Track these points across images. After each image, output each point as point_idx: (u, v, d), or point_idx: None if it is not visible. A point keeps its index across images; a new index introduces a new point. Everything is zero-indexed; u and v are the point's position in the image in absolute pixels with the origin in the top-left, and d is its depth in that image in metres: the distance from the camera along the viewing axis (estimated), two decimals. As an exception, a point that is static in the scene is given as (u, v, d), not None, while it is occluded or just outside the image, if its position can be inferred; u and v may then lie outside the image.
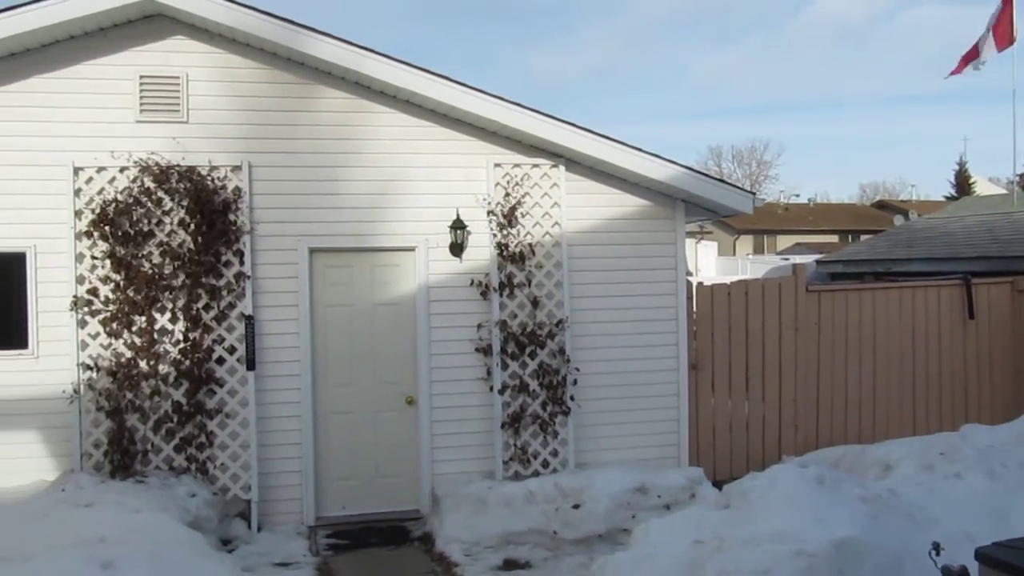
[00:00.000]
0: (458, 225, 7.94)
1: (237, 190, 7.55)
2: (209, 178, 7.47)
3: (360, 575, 6.84)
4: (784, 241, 47.37)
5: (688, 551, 5.34)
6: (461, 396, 8.08)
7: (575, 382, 8.21)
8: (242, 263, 7.53)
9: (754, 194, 8.96)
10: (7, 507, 6.56)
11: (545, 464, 8.13)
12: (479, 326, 8.08)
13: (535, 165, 8.19)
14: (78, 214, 7.29)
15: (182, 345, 7.38)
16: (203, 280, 7.41)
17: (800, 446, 9.24)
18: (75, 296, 7.25)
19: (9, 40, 7.00)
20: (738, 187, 9.14)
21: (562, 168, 8.23)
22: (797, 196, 56.86)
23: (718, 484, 7.58)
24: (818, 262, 16.80)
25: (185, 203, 7.38)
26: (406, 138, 7.98)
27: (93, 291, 7.28)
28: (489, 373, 8.07)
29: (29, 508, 6.54)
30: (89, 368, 7.28)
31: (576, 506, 7.33)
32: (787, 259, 26.11)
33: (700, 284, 9.52)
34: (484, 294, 8.07)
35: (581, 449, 8.29)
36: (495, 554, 7.19)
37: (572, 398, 8.20)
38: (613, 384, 8.41)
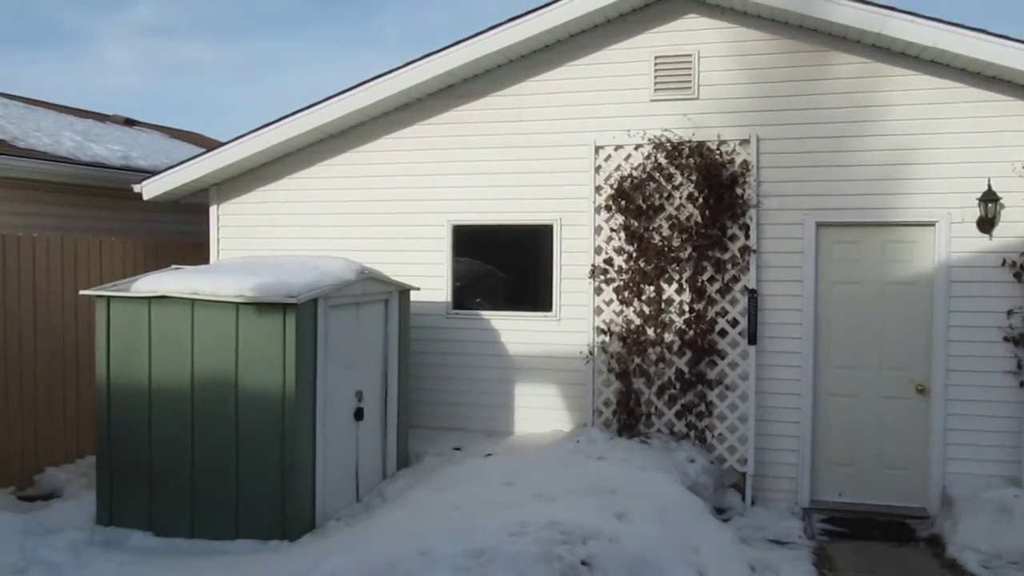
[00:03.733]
0: (989, 197, 7.05)
1: (744, 164, 7.55)
2: (717, 152, 7.57)
3: (860, 567, 6.48)
4: None
5: None
6: (982, 389, 7.22)
7: None
8: (747, 237, 7.53)
9: None
10: (536, 451, 7.37)
11: (1089, 477, 6.96)
12: (1010, 312, 7.12)
13: (1092, 126, 6.96)
14: (597, 190, 7.89)
15: (687, 316, 7.63)
16: (708, 253, 7.56)
17: None
18: (592, 265, 7.87)
19: (545, 34, 7.78)
20: None
21: None
22: None
23: None
24: None
25: (694, 178, 7.57)
26: (928, 102, 7.28)
27: (608, 261, 7.84)
28: (1020, 366, 7.09)
29: (551, 454, 7.28)
30: (602, 332, 7.87)
31: None
32: None
33: None
34: (1018, 276, 7.09)
35: None
36: (1020, 573, 6.33)
37: None
38: None
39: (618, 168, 7.84)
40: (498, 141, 8.25)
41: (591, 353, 7.89)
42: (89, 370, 8.07)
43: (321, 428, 6.22)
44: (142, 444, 6.20)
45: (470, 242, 8.48)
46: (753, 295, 7.50)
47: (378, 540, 5.57)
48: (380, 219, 8.61)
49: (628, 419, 7.75)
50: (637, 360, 7.74)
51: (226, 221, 9.11)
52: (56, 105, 13.49)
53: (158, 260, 9.02)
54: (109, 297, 6.23)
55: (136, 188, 9.11)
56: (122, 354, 6.22)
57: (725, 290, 7.60)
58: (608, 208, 7.81)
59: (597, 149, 7.90)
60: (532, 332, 8.21)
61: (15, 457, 7.57)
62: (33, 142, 9.70)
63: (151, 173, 9.42)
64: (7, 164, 8.49)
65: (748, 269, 7.53)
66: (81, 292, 6.73)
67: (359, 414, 6.86)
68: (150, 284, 6.18)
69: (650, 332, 7.70)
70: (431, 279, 8.40)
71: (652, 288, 7.69)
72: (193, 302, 6.03)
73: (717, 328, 7.63)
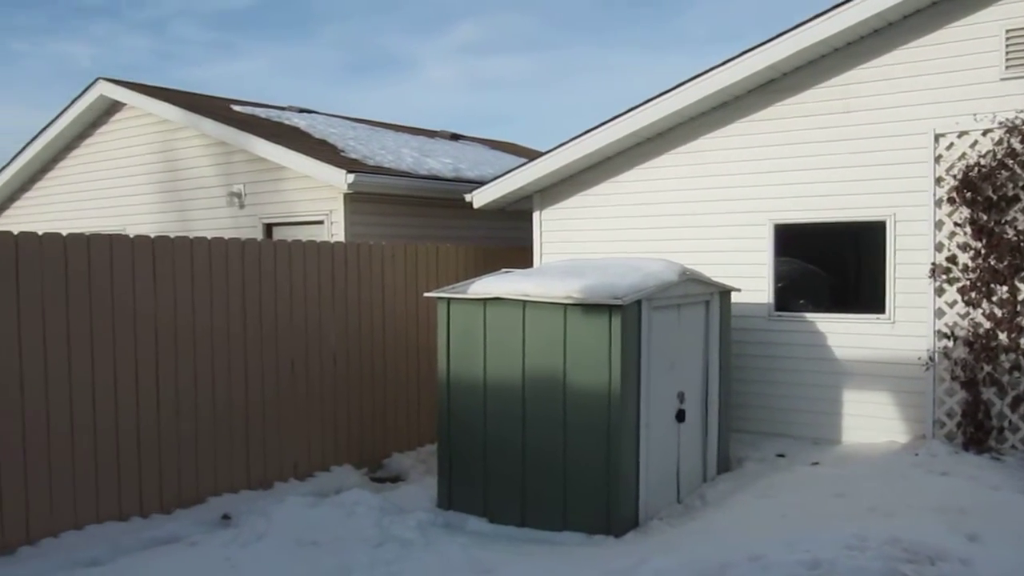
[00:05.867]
0: None
1: (1120, 145, 6.58)
2: (1086, 133, 6.67)
3: None
4: None
5: None
6: None
7: None
8: (1126, 228, 6.55)
9: None
10: (868, 462, 6.94)
11: None
12: None
13: None
14: (938, 181, 7.25)
15: (1048, 319, 6.80)
16: (1075, 248, 6.68)
17: None
18: (933, 264, 7.25)
19: (874, 18, 7.30)
20: None
21: None
22: None
23: None
24: None
25: (1056, 164, 6.72)
26: None
27: (951, 259, 7.18)
28: None
29: (886, 466, 6.81)
30: (945, 336, 7.22)
31: None
32: None
33: None
34: None
35: None
36: None
37: None
38: None
39: (962, 157, 7.14)
40: (823, 135, 7.86)
41: (931, 359, 7.26)
42: (426, 365, 8.80)
43: (644, 428, 6.29)
44: (477, 437, 6.64)
45: (790, 241, 8.16)
46: None
47: (704, 542, 5.54)
48: (697, 220, 8.55)
49: (976, 432, 7.03)
50: (987, 368, 7.00)
51: (548, 226, 9.53)
52: (393, 125, 14.90)
53: (486, 264, 9.62)
54: (449, 299, 6.75)
55: (467, 198, 9.80)
56: (460, 352, 6.71)
57: (1097, 290, 6.67)
58: (951, 201, 7.15)
59: (937, 137, 7.26)
60: (861, 335, 7.73)
61: (368, 443, 8.44)
62: (379, 159, 10.77)
63: (478, 183, 10.09)
64: (363, 180, 9.51)
65: None
66: (425, 294, 7.36)
67: (680, 415, 6.84)
68: (484, 287, 6.60)
69: (1002, 337, 6.93)
70: (751, 280, 8.19)
71: (1005, 288, 6.92)
72: (524, 303, 6.35)
73: (1087, 333, 6.71)
